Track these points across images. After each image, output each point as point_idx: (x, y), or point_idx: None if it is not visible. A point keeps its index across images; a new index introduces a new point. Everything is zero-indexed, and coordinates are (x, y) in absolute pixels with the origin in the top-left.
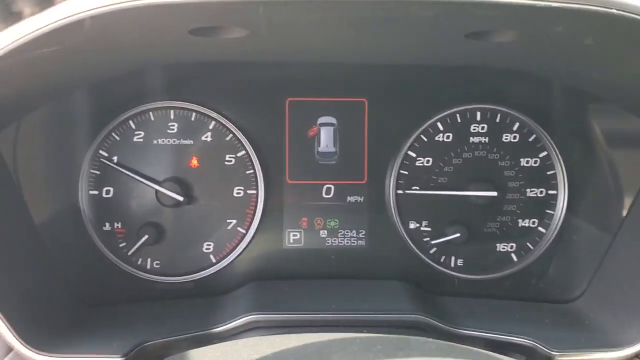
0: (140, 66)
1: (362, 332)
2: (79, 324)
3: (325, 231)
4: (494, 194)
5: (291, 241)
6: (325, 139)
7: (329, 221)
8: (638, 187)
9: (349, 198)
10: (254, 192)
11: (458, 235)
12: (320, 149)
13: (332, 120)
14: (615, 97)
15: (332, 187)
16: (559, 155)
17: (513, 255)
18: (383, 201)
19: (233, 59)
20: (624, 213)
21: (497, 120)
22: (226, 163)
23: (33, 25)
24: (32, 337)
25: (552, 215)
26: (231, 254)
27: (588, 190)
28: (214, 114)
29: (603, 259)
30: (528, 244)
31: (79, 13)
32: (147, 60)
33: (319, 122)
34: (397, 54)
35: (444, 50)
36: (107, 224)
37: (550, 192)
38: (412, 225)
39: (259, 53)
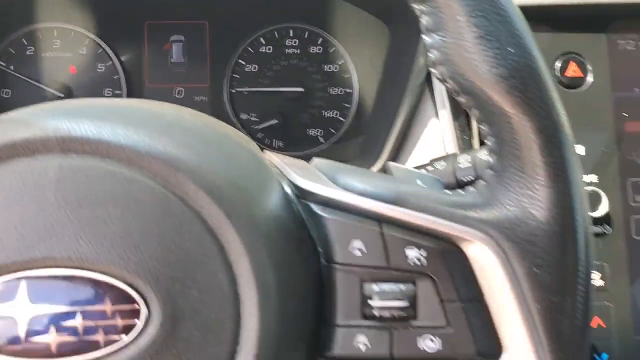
0: None
1: None
2: None
3: None
4: (301, 89)
5: None
6: (176, 53)
7: None
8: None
9: (195, 98)
10: (120, 92)
11: (276, 121)
12: (172, 60)
13: (182, 38)
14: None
15: (183, 89)
16: (352, 63)
17: (321, 138)
18: (222, 99)
19: None
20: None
21: (306, 36)
22: (98, 70)
23: None
24: None
25: (349, 107)
26: None
27: (374, 89)
28: (88, 33)
29: (388, 135)
30: (332, 129)
31: None
32: None
33: (171, 39)
34: None
35: None
36: None
37: (348, 90)
38: (243, 117)
39: None
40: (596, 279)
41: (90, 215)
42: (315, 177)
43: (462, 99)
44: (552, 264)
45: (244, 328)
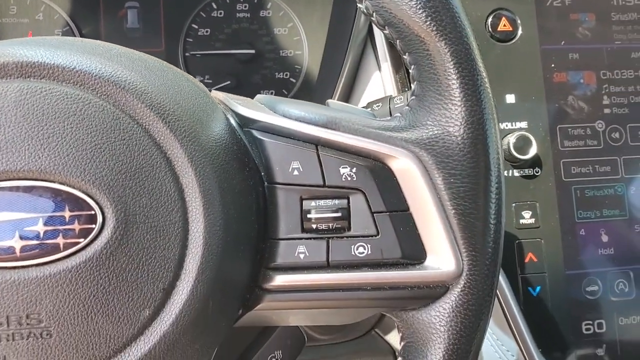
0: None
1: None
2: None
3: None
4: (252, 51)
5: None
6: (131, 18)
7: None
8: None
9: None
10: None
11: (229, 82)
12: (127, 26)
13: (136, 4)
14: None
15: None
16: (301, 26)
17: None
18: (177, 62)
19: None
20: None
21: (256, 0)
22: (55, 34)
23: None
24: None
25: (300, 69)
26: None
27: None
28: (46, 0)
29: (334, 92)
30: (284, 90)
31: None
32: None
33: (126, 5)
34: None
35: None
36: None
37: (298, 52)
38: (198, 79)
39: None
40: (527, 217)
41: (49, 132)
42: (257, 107)
43: (386, 32)
44: (466, 172)
45: (191, 233)
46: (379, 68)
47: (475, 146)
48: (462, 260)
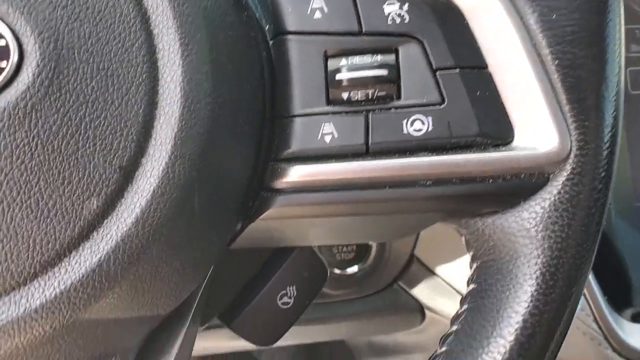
0: None
1: None
2: None
3: None
4: None
5: None
6: None
7: None
8: None
9: None
10: None
11: None
12: None
13: None
14: None
15: None
16: None
17: None
18: None
19: None
20: None
21: None
22: None
23: None
24: None
25: None
26: None
27: None
28: None
29: None
30: None
31: None
32: None
33: None
34: None
35: None
36: None
37: None
38: None
39: None
40: None
41: None
42: None
43: None
44: (573, 5)
45: (162, 81)
46: None
47: None
48: (569, 135)
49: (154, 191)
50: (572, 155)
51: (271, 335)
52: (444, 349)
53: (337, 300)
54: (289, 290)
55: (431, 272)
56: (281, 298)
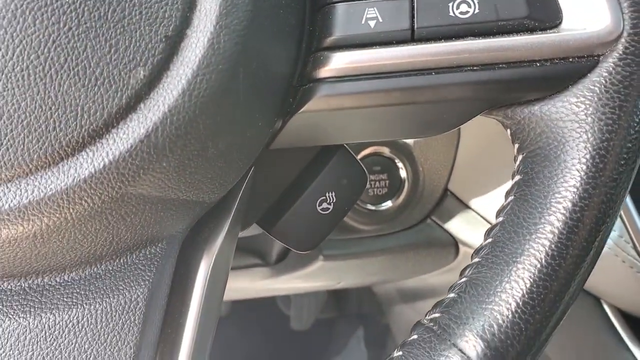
0: None
1: None
2: None
3: None
4: None
5: None
6: None
7: None
8: None
9: None
10: None
11: None
12: None
13: None
14: None
15: None
16: None
17: None
18: None
19: None
20: None
21: None
22: None
23: None
24: None
25: None
26: None
27: None
28: None
29: None
30: None
31: None
32: None
33: None
34: None
35: None
36: None
37: None
38: None
39: None
40: None
41: None
42: None
43: None
44: None
45: None
46: None
47: None
48: (622, 12)
49: (199, 62)
50: (624, 34)
51: (311, 241)
52: (489, 240)
53: (371, 236)
54: (329, 196)
55: (465, 206)
56: (320, 204)
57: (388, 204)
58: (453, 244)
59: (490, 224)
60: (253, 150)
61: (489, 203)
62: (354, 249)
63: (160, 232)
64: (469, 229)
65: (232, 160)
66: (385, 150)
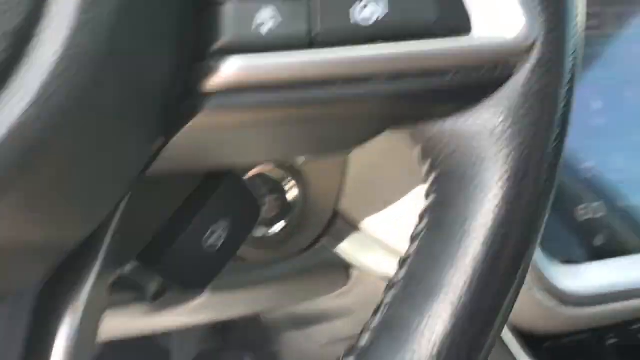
0: None
1: None
2: None
3: None
4: None
5: None
6: None
7: None
8: None
9: None
10: None
11: None
12: None
13: None
14: None
15: None
16: None
17: None
18: None
19: None
20: None
21: None
22: None
23: None
24: None
25: None
26: None
27: None
28: None
29: None
30: None
31: None
32: None
33: None
34: None
35: None
36: None
37: None
38: None
39: None
40: None
41: None
42: None
43: None
44: None
45: None
46: None
47: None
48: (536, 15)
49: (53, 68)
50: (540, 39)
51: (199, 281)
52: (404, 271)
53: (260, 264)
54: (216, 229)
55: (356, 227)
56: (208, 239)
57: (276, 228)
58: (345, 267)
59: (384, 244)
60: (125, 178)
61: (382, 222)
62: (242, 278)
63: (6, 287)
64: (361, 250)
65: (99, 192)
66: (272, 170)
